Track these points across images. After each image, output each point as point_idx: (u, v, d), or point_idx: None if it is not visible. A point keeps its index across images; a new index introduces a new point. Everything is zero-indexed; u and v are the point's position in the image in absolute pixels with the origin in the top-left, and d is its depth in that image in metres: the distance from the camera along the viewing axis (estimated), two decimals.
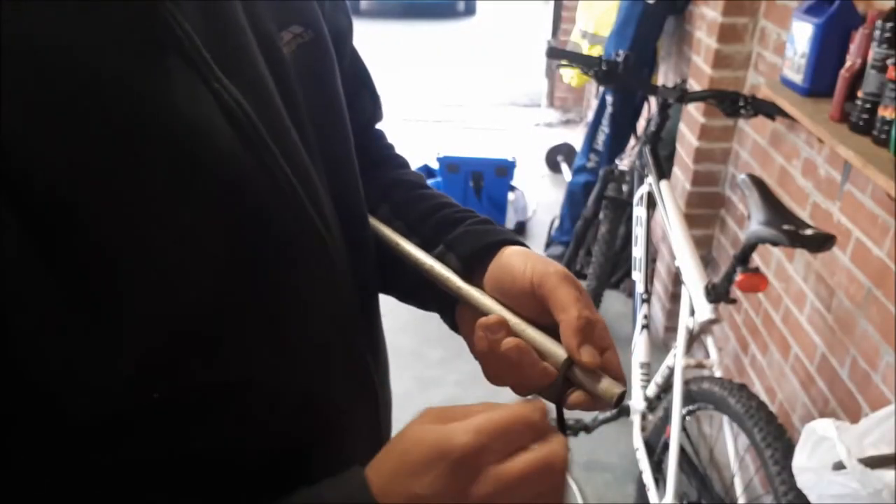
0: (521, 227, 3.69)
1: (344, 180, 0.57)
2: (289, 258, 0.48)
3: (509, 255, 0.56)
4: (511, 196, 3.63)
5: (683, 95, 1.95)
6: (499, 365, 0.53)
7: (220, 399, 0.45)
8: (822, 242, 1.42)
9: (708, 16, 2.40)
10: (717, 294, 1.62)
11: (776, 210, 1.52)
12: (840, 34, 1.58)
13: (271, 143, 0.46)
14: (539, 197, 3.99)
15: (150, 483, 0.44)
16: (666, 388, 1.83)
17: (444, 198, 0.66)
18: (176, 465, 0.44)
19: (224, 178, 0.44)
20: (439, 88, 6.13)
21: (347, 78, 0.61)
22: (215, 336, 0.44)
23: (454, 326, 0.62)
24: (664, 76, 3.03)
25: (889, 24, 1.38)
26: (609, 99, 3.04)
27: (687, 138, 2.52)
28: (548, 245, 3.36)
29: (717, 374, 1.64)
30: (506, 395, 0.51)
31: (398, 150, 0.75)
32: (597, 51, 3.18)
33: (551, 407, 0.49)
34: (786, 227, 1.44)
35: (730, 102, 1.87)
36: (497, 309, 0.54)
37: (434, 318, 0.65)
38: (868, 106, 1.43)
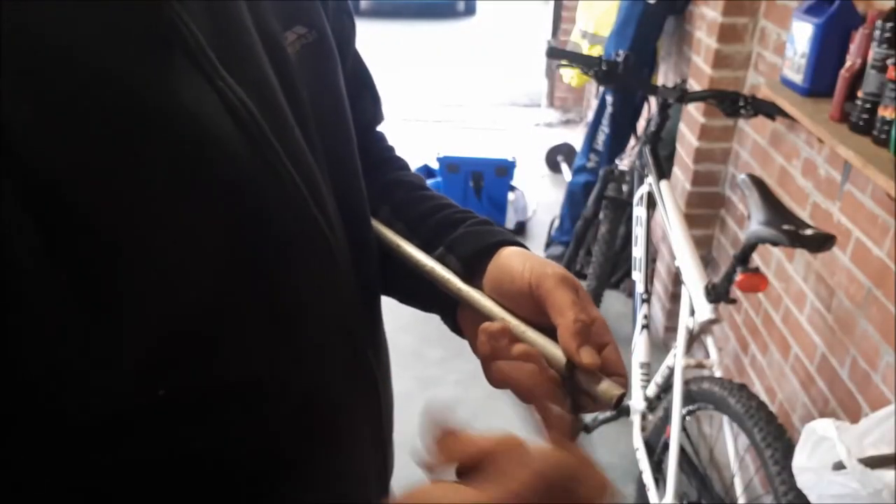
0: (521, 227, 3.69)
1: (347, 181, 0.57)
2: (291, 257, 0.48)
3: (508, 256, 0.55)
4: (511, 196, 3.63)
5: (683, 95, 1.95)
6: (502, 370, 0.53)
7: (221, 399, 0.45)
8: (822, 242, 1.42)
9: (708, 16, 2.40)
10: (717, 294, 1.62)
11: (776, 210, 1.52)
12: (840, 34, 1.58)
13: (275, 143, 0.46)
14: (539, 197, 3.99)
15: (150, 483, 0.44)
16: (666, 388, 1.83)
17: (443, 199, 0.66)
18: (176, 466, 0.44)
19: (227, 177, 0.44)
20: (439, 88, 6.14)
21: (349, 79, 0.61)
22: (216, 336, 0.44)
23: (455, 328, 0.62)
24: (664, 76, 3.03)
25: (889, 24, 1.38)
26: (609, 99, 3.04)
27: (687, 138, 2.53)
28: (548, 245, 3.36)
29: (717, 374, 1.64)
30: (509, 396, 0.51)
31: (398, 152, 0.75)
32: (597, 51, 3.18)
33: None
34: (786, 227, 1.44)
35: (730, 102, 1.87)
36: (497, 311, 0.54)
37: (434, 318, 0.65)
38: (868, 106, 1.43)
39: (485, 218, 0.62)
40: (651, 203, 2.10)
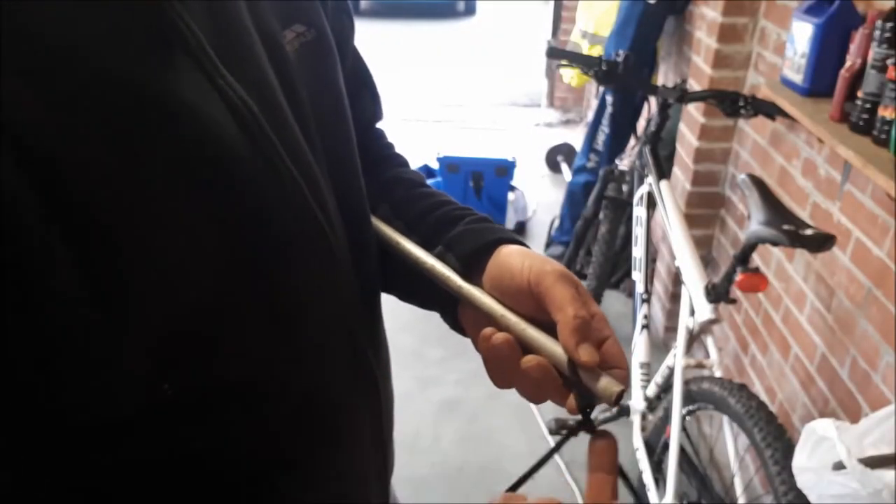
0: (521, 227, 3.69)
1: (347, 179, 0.57)
2: (291, 257, 0.48)
3: (507, 254, 0.55)
4: (511, 196, 3.63)
5: (683, 95, 1.95)
6: (507, 378, 0.53)
7: (221, 399, 0.45)
8: (822, 242, 1.42)
9: (708, 16, 2.40)
10: (717, 294, 1.62)
11: (776, 210, 1.52)
12: (840, 34, 1.58)
13: (276, 142, 0.46)
14: (539, 197, 3.99)
15: (149, 483, 0.44)
16: (666, 388, 1.83)
17: (443, 196, 0.66)
18: (176, 465, 0.44)
19: (228, 176, 0.44)
20: (439, 88, 6.13)
21: (348, 77, 0.61)
22: (216, 335, 0.44)
23: (455, 326, 0.62)
24: (664, 76, 3.03)
25: (889, 24, 1.38)
26: (609, 99, 3.04)
27: (687, 138, 2.53)
28: (548, 245, 3.36)
29: (717, 374, 1.64)
30: (509, 396, 0.51)
31: (398, 150, 0.75)
32: (597, 51, 3.18)
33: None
34: (786, 227, 1.44)
35: (730, 102, 1.87)
36: (497, 308, 0.54)
37: (434, 317, 0.65)
38: (868, 106, 1.43)
39: (484, 215, 0.62)
40: (651, 203, 2.10)
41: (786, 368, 1.93)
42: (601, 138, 3.10)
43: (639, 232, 2.11)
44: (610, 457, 0.48)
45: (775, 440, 1.41)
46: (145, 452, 0.43)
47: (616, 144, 3.07)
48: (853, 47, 1.52)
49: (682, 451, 1.66)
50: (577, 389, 0.50)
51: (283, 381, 0.49)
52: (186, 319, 0.42)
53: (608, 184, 2.46)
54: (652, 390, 1.89)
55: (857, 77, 1.47)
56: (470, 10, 9.52)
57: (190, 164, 0.42)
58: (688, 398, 1.66)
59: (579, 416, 0.50)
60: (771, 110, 1.79)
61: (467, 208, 0.63)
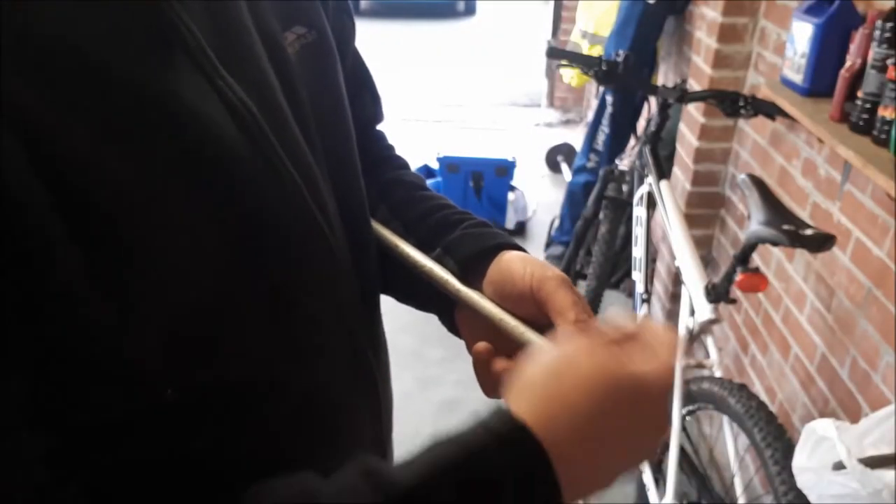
0: (521, 227, 3.69)
1: (347, 180, 0.57)
2: (291, 257, 0.48)
3: (509, 260, 0.56)
4: (511, 196, 3.63)
5: (683, 95, 1.95)
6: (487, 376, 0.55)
7: (221, 399, 0.45)
8: (822, 242, 1.42)
9: (708, 16, 2.40)
10: (717, 294, 1.62)
11: (776, 210, 1.52)
12: (840, 34, 1.58)
13: (275, 142, 0.46)
14: (539, 197, 3.99)
15: (149, 483, 0.44)
16: None
17: (442, 199, 0.66)
18: (175, 465, 0.44)
19: (228, 176, 0.44)
20: (439, 88, 6.13)
21: (349, 79, 0.62)
22: (216, 336, 0.44)
23: (453, 328, 0.62)
24: (664, 76, 3.03)
25: (889, 24, 1.38)
26: (609, 99, 3.04)
27: (687, 138, 2.52)
28: (548, 245, 3.35)
29: (717, 374, 1.64)
30: None
31: (398, 151, 0.75)
32: (597, 51, 3.18)
33: None
34: (786, 227, 1.44)
35: (730, 102, 1.87)
36: (495, 311, 0.54)
37: (434, 318, 0.65)
38: (868, 106, 1.43)
39: (483, 220, 0.62)
40: (651, 203, 2.10)
41: (786, 368, 1.93)
42: (601, 138, 3.10)
43: (639, 232, 2.11)
44: None
45: (775, 440, 1.41)
46: (145, 452, 0.43)
47: (616, 144, 3.07)
48: (853, 47, 1.52)
49: (682, 451, 1.66)
50: None
51: (283, 381, 0.49)
52: (187, 320, 0.42)
53: (608, 184, 2.46)
54: None
55: (857, 77, 1.47)
56: (470, 10, 9.52)
57: (189, 164, 0.42)
58: (688, 398, 1.66)
59: None
60: (771, 110, 1.79)
61: (466, 212, 0.64)
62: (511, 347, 0.54)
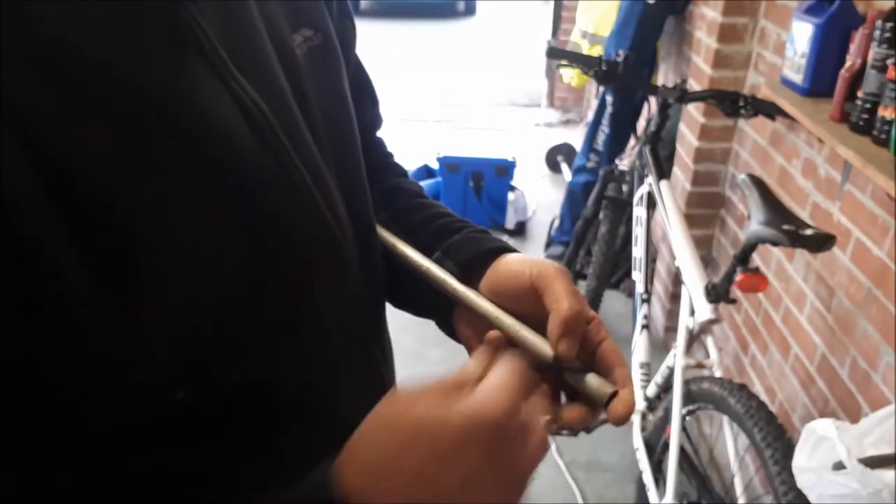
0: (521, 227, 3.69)
1: (354, 183, 0.57)
2: (304, 258, 0.48)
3: (508, 260, 0.56)
4: (511, 196, 3.63)
5: (683, 95, 1.95)
6: None
7: (232, 402, 0.45)
8: (822, 242, 1.42)
9: (708, 16, 2.40)
10: (717, 294, 1.62)
11: (776, 210, 1.52)
12: (840, 34, 1.58)
13: (288, 145, 0.46)
14: (539, 197, 3.99)
15: (164, 486, 0.44)
16: (666, 388, 1.83)
17: (442, 208, 0.67)
18: (185, 468, 0.44)
19: (240, 177, 0.44)
20: (439, 88, 6.13)
21: (350, 83, 0.62)
22: (228, 337, 0.44)
23: (451, 332, 0.62)
24: (664, 76, 3.03)
25: (889, 24, 1.38)
26: (609, 99, 3.04)
27: (687, 138, 2.53)
28: (548, 245, 3.35)
29: (717, 374, 1.64)
30: None
31: (397, 155, 0.75)
32: (597, 51, 3.18)
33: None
34: (786, 227, 1.44)
35: (730, 102, 1.87)
36: (493, 311, 0.55)
37: None
38: (868, 106, 1.43)
39: (482, 227, 0.63)
40: (651, 203, 2.10)
41: (786, 368, 1.93)
42: (601, 138, 3.10)
43: (639, 232, 2.11)
44: None
45: (775, 440, 1.41)
46: (161, 455, 0.43)
47: (616, 144, 3.07)
48: (853, 47, 1.52)
49: (682, 451, 1.66)
50: (566, 386, 0.50)
51: (299, 383, 0.49)
52: (199, 320, 0.42)
53: (608, 184, 2.46)
54: (652, 390, 1.89)
55: (857, 77, 1.47)
56: (470, 10, 9.52)
57: (200, 165, 0.42)
58: (688, 398, 1.66)
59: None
60: (771, 110, 1.79)
61: (466, 221, 0.64)
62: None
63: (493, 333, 0.52)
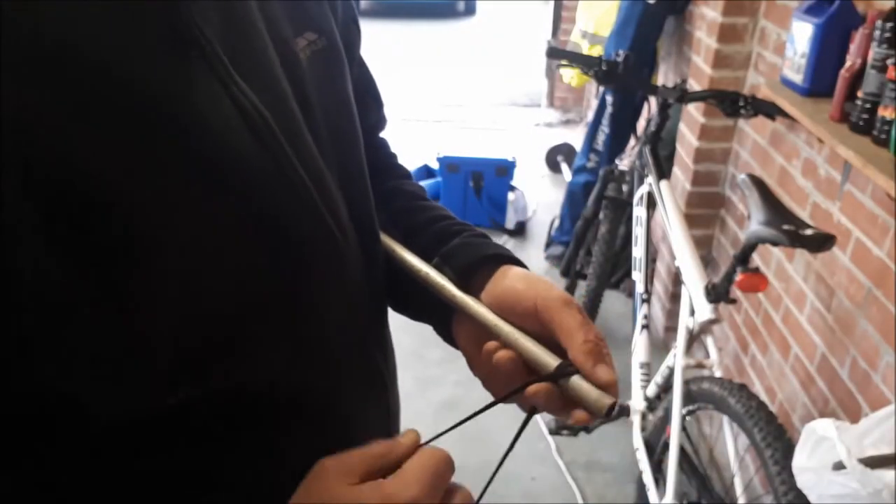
0: (521, 227, 3.69)
1: (355, 185, 0.57)
2: (304, 261, 0.48)
3: (512, 278, 0.56)
4: (511, 196, 3.63)
5: (683, 95, 1.95)
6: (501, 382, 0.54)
7: (239, 402, 0.45)
8: (822, 242, 1.42)
9: (708, 16, 2.40)
10: (717, 294, 1.62)
11: (776, 210, 1.52)
12: (840, 34, 1.58)
13: (288, 149, 0.46)
14: (539, 197, 3.99)
15: (164, 487, 0.44)
16: (666, 388, 1.83)
17: (442, 210, 0.67)
18: (185, 470, 0.44)
19: (240, 180, 0.44)
20: (439, 88, 6.13)
21: (354, 85, 0.62)
22: (229, 339, 0.44)
23: (448, 338, 0.62)
24: (664, 76, 3.03)
25: (889, 24, 1.38)
26: (609, 99, 3.04)
27: (687, 138, 2.53)
28: (548, 245, 3.35)
29: (717, 374, 1.64)
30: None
31: (400, 156, 0.75)
32: (597, 51, 3.18)
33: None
34: (786, 227, 1.44)
35: (730, 102, 1.87)
36: (492, 319, 0.55)
37: None
38: (868, 106, 1.43)
39: (482, 231, 0.63)
40: (651, 203, 2.10)
41: (786, 368, 1.93)
42: (601, 138, 3.10)
43: (639, 232, 2.11)
44: None
45: (775, 440, 1.41)
46: (161, 458, 0.43)
47: (616, 144, 3.07)
48: (853, 47, 1.52)
49: (682, 451, 1.66)
50: (566, 395, 0.51)
51: (299, 386, 0.49)
52: (198, 322, 0.42)
53: (608, 184, 2.46)
54: (652, 390, 1.89)
55: (857, 77, 1.47)
56: (470, 10, 9.52)
57: (199, 167, 0.42)
58: (688, 398, 1.66)
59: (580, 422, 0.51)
60: (771, 110, 1.79)
61: (466, 224, 0.64)
62: None
63: (490, 344, 0.53)
